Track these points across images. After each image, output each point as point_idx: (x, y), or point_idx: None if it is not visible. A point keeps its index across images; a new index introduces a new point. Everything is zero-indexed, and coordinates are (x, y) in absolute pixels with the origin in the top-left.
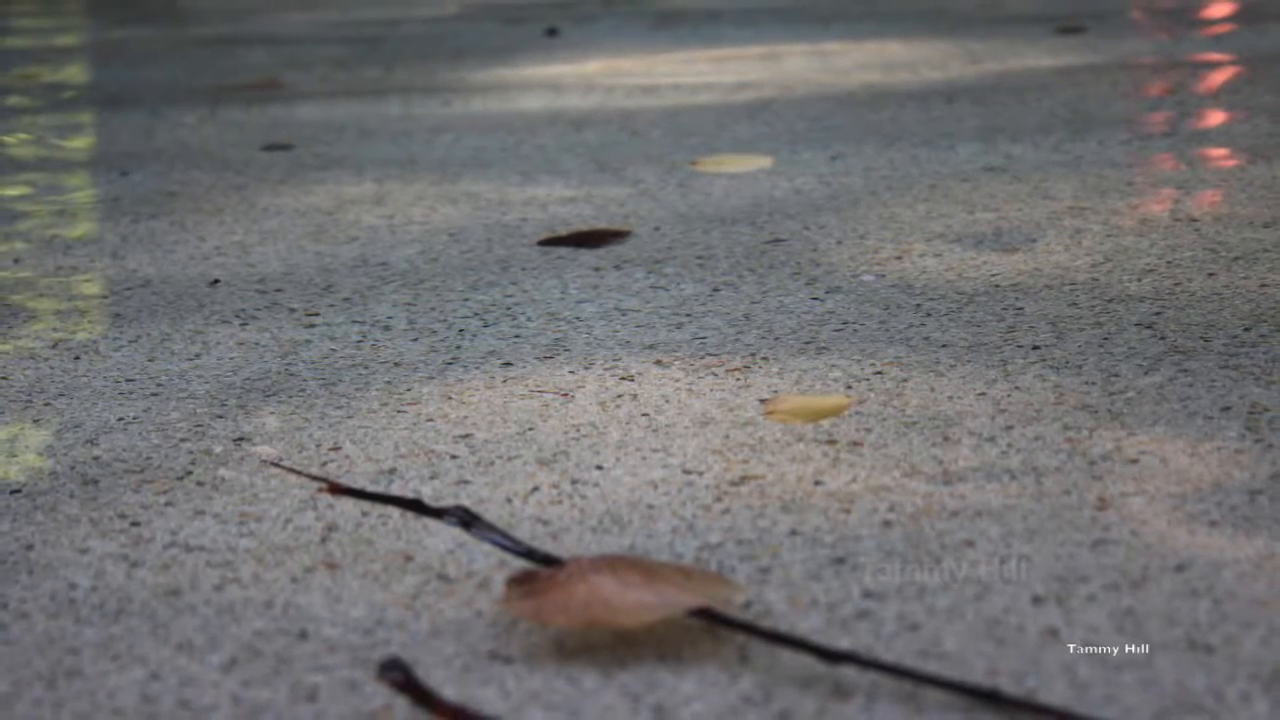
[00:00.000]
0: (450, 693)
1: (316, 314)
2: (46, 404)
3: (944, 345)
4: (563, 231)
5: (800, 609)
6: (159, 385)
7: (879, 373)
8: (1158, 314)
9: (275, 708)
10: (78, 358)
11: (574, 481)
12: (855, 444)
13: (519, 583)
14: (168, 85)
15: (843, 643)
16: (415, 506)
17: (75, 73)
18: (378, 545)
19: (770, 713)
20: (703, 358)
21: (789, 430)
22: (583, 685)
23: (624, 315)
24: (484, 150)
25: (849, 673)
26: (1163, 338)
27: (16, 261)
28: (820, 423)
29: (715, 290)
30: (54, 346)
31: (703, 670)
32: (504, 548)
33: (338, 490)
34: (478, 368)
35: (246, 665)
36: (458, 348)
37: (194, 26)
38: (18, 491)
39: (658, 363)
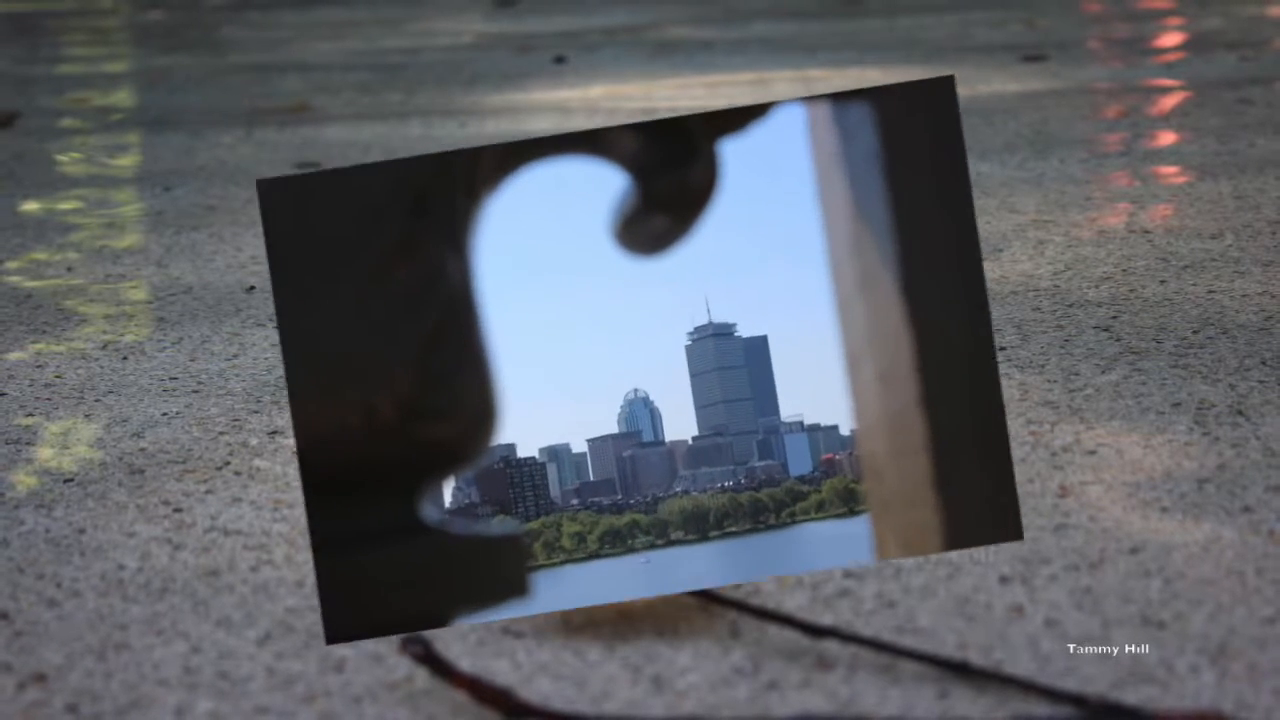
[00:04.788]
0: (466, 664)
1: None
2: (97, 400)
3: None
4: None
5: (787, 588)
6: (200, 383)
7: None
8: (1114, 318)
9: (306, 678)
10: (125, 358)
11: None
12: None
13: None
14: (207, 108)
15: (826, 619)
16: None
17: (123, 97)
18: None
19: (759, 683)
20: None
21: None
22: (587, 658)
23: None
24: None
25: (831, 646)
26: (1119, 340)
27: (69, 270)
28: None
29: None
30: (104, 348)
31: (697, 644)
32: None
33: None
34: None
35: (280, 639)
36: None
37: (231, 55)
38: (70, 480)
39: None
